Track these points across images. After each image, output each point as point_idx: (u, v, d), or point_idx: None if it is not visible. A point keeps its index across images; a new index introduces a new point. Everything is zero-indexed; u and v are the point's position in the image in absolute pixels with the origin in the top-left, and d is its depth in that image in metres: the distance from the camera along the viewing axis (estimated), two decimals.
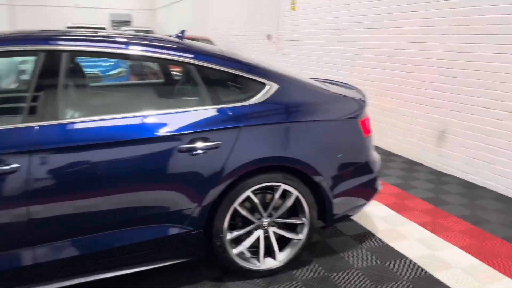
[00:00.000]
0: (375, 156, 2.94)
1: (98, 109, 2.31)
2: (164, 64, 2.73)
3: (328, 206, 2.64)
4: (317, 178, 2.54)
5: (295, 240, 2.64)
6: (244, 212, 2.46)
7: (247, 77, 2.52)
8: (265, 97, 2.50)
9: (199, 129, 2.27)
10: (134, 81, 2.71)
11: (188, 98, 2.47)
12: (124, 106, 2.51)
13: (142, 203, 2.20)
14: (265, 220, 2.54)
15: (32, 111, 2.05)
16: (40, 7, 21.51)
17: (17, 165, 1.94)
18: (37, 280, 2.10)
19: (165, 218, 2.27)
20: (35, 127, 2.01)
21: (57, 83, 2.11)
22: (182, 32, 2.95)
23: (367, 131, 2.81)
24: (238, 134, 2.35)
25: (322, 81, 3.36)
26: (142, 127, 2.20)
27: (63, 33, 2.28)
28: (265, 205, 2.54)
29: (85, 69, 2.81)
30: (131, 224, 2.22)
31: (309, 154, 2.51)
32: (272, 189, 2.52)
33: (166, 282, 2.50)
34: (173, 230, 2.30)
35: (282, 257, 2.62)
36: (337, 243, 3.03)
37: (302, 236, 2.63)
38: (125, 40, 2.36)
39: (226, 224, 2.41)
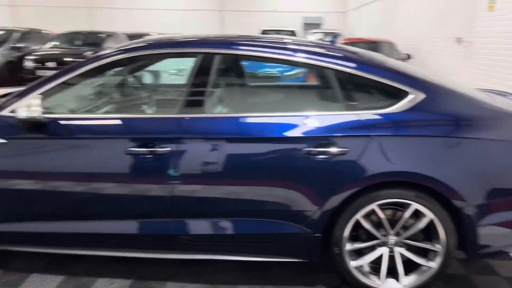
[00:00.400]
0: None
1: (241, 107, 2.53)
2: (306, 67, 2.78)
3: (472, 236, 2.30)
4: (458, 203, 2.24)
5: (424, 267, 2.39)
6: (367, 225, 2.35)
7: (388, 84, 2.37)
8: (407, 107, 2.32)
9: (327, 134, 2.27)
10: (288, 82, 2.87)
11: (325, 102, 2.48)
12: (265, 106, 2.69)
13: (266, 197, 2.32)
14: (392, 238, 2.37)
15: (186, 104, 2.39)
16: (244, 12, 24.10)
17: (169, 148, 2.30)
18: (172, 248, 2.45)
19: (285, 216, 2.35)
20: (185, 118, 2.34)
21: (207, 82, 2.40)
22: (335, 36, 2.97)
23: None
24: (368, 143, 2.25)
25: (494, 93, 2.91)
26: (275, 126, 2.32)
27: (220, 38, 2.57)
28: (394, 222, 2.37)
29: (257, 70, 3.09)
30: (255, 216, 2.37)
31: (452, 174, 2.23)
32: (403, 207, 2.34)
33: (283, 277, 2.59)
34: (292, 229, 2.36)
35: (407, 281, 2.40)
36: (484, 283, 2.60)
37: (433, 264, 2.36)
38: (270, 44, 2.52)
39: (346, 233, 2.34)
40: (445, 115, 2.32)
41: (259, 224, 2.38)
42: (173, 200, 2.34)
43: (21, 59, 10.21)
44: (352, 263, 2.39)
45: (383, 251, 2.39)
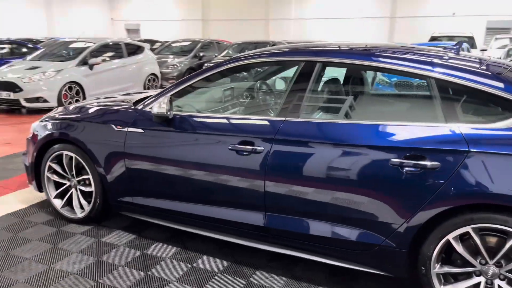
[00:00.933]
0: None
1: (332, 113, 2.59)
2: (406, 76, 2.64)
3: None
4: None
5: None
6: (460, 249, 2.14)
7: (500, 96, 2.13)
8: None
9: (416, 146, 2.16)
10: (383, 91, 2.79)
11: (421, 112, 2.35)
12: (357, 113, 2.67)
13: (352, 204, 2.34)
14: (491, 269, 2.11)
15: (283, 108, 2.58)
16: (416, 18, 22.72)
17: (262, 147, 2.52)
18: (263, 239, 2.66)
19: (370, 226, 2.32)
20: (281, 121, 2.53)
21: (306, 88, 2.54)
22: (460, 43, 2.77)
23: None
24: (465, 159, 2.07)
25: None
26: (362, 134, 2.32)
27: (320, 47, 2.68)
28: (496, 251, 2.11)
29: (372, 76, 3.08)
30: (338, 220, 2.41)
31: None
32: (507, 234, 2.06)
33: (370, 282, 2.55)
34: (376, 240, 2.32)
35: None
36: None
37: None
38: (364, 52, 2.53)
39: (435, 254, 2.18)
40: None
41: (343, 230, 2.40)
42: (266, 195, 2.55)
43: (200, 65, 11.93)
44: (438, 287, 2.22)
45: (480, 280, 2.15)
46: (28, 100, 8.08)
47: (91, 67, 8.79)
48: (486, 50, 14.83)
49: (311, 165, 2.40)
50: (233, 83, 3.20)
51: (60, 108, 3.62)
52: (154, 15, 30.38)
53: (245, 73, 3.11)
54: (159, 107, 2.77)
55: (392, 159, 2.20)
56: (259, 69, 3.25)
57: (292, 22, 26.24)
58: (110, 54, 9.63)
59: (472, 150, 2.06)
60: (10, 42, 11.65)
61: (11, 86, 8.09)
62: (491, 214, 2.04)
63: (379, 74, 3.53)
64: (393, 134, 2.25)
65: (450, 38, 15.07)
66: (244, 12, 27.16)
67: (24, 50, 11.33)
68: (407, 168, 2.17)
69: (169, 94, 2.89)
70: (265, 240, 2.66)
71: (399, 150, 2.20)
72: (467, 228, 2.09)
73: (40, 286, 2.54)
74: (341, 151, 2.34)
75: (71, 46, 9.64)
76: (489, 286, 2.13)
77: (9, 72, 8.50)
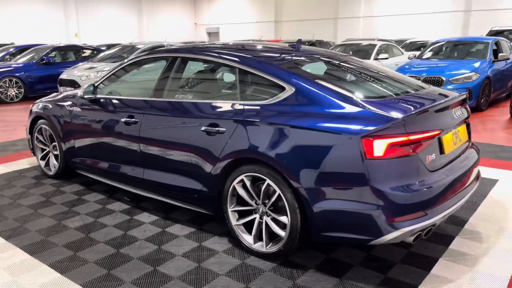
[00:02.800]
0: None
1: (178, 94, 3.47)
2: (219, 65, 3.40)
3: (310, 217, 2.58)
4: (295, 184, 2.56)
5: (279, 237, 2.76)
6: (241, 192, 2.90)
7: (271, 80, 2.86)
8: (276, 100, 2.77)
9: (215, 117, 2.98)
10: (204, 77, 3.63)
11: (226, 93, 3.15)
12: (190, 94, 3.50)
13: (182, 159, 3.19)
14: (261, 208, 2.84)
15: (156, 91, 3.53)
16: (493, 11, 21.27)
17: (138, 120, 3.49)
18: (132, 184, 3.66)
19: (193, 175, 3.16)
20: (150, 100, 3.48)
21: (167, 76, 3.48)
22: (299, 41, 3.50)
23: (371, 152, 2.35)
24: (239, 125, 2.84)
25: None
26: (187, 108, 3.21)
27: (186, 47, 3.55)
28: (262, 194, 2.82)
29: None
30: (176, 172, 3.28)
31: (287, 157, 2.60)
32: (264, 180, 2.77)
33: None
34: (198, 186, 3.15)
35: (270, 250, 2.81)
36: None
37: (283, 234, 2.72)
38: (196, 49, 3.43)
39: (229, 196, 2.96)
40: (295, 106, 2.67)
41: (180, 179, 3.26)
42: (142, 154, 3.51)
43: None
44: (233, 222, 2.99)
45: (256, 216, 2.89)
46: None
47: None
48: None
49: (161, 132, 3.32)
50: (138, 74, 4.13)
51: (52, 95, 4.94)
52: (231, 19, 32.29)
53: (146, 66, 4.03)
54: (86, 91, 3.89)
55: (203, 126, 3.04)
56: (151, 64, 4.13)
57: (361, 20, 26.13)
58: None
59: (245, 119, 2.83)
60: (88, 48, 13.86)
61: (73, 83, 9.99)
62: (255, 166, 2.78)
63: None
64: (205, 109, 3.10)
65: (510, 31, 14.21)
66: (314, 12, 27.68)
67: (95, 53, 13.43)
68: (209, 132, 2.99)
69: (96, 82, 4.00)
70: (143, 188, 3.62)
71: (206, 119, 3.04)
72: (242, 176, 2.85)
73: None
74: (176, 121, 3.23)
75: (128, 49, 11.38)
76: (261, 221, 2.86)
77: (74, 72, 10.44)
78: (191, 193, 3.21)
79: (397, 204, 2.37)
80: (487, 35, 14.74)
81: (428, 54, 10.17)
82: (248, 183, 2.85)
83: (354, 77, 3.23)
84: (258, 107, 2.84)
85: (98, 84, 3.99)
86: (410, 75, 8.78)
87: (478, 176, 3.10)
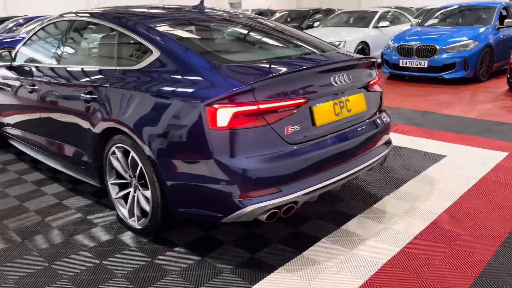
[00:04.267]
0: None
1: (65, 61, 3.31)
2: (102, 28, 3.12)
3: (165, 190, 2.40)
4: (148, 153, 2.40)
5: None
6: (115, 164, 2.74)
7: (140, 42, 2.65)
8: (143, 65, 2.56)
9: (90, 84, 2.82)
10: (89, 42, 3.36)
11: (106, 57, 2.96)
12: (77, 60, 3.29)
13: (69, 127, 3.07)
14: (134, 182, 2.69)
15: (52, 58, 3.39)
16: None
17: (37, 87, 3.38)
18: (42, 154, 3.58)
19: (79, 145, 3.03)
20: (45, 66, 3.35)
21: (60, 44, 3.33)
22: (202, 1, 3.23)
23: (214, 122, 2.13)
24: (106, 92, 2.67)
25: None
26: (72, 75, 3.07)
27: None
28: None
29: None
30: (66, 141, 3.18)
31: (141, 125, 2.43)
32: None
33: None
34: (84, 157, 3.02)
35: (140, 226, 2.68)
36: None
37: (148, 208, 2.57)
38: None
39: (107, 168, 2.83)
40: (158, 72, 2.45)
41: (71, 149, 3.15)
42: (42, 121, 3.41)
43: None
44: (113, 195, 2.85)
45: (130, 190, 2.74)
46: None
47: None
48: None
49: (53, 100, 3.20)
50: (46, 40, 3.93)
51: None
52: None
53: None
54: (2, 58, 3.80)
55: (82, 94, 2.88)
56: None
57: None
58: None
59: (111, 86, 2.65)
60: None
61: None
62: (122, 136, 2.61)
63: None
64: (85, 75, 2.96)
65: None
66: None
67: None
68: (87, 100, 2.83)
69: (15, 49, 3.90)
70: (49, 158, 3.54)
71: (84, 86, 2.88)
72: (114, 148, 2.70)
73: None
74: (65, 89, 3.12)
75: None
76: (135, 195, 2.71)
77: None
78: (80, 164, 3.10)
79: (244, 179, 2.15)
80: None
81: (431, 21, 9.48)
82: (119, 155, 2.69)
83: (242, 41, 2.97)
84: (126, 73, 2.65)
85: (16, 51, 3.89)
86: (404, 43, 8.27)
87: (383, 146, 2.82)
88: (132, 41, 2.75)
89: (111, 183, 2.85)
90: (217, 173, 2.17)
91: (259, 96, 2.15)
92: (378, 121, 2.84)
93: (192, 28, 2.98)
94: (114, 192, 2.85)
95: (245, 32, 3.13)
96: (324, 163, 2.38)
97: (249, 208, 2.17)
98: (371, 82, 2.79)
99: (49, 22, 3.63)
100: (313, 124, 2.37)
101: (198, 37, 2.91)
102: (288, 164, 2.22)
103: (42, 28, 3.73)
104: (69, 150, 3.18)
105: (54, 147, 3.36)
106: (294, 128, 2.28)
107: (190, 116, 2.20)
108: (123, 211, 2.80)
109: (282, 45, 2.97)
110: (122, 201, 2.83)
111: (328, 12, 13.59)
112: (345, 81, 2.53)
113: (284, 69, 2.33)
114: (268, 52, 2.78)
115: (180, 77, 2.35)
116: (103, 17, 3.01)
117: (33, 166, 4.05)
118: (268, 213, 2.23)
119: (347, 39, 9.27)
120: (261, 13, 16.43)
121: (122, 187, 2.84)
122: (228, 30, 3.15)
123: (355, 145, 2.56)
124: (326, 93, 2.44)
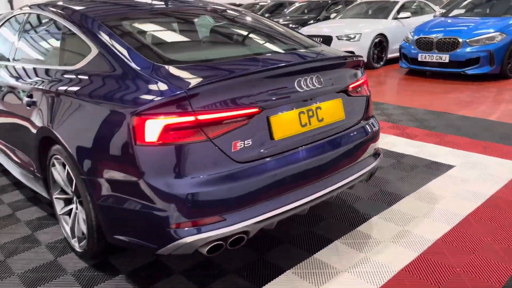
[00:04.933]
0: None
1: (19, 58, 3.00)
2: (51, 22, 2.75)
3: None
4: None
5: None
6: (56, 177, 2.42)
7: (81, 39, 2.30)
8: (81, 65, 2.22)
9: (32, 85, 2.50)
10: (40, 37, 2.95)
11: (50, 56, 2.63)
12: (27, 58, 2.95)
13: (16, 133, 2.79)
14: (75, 198, 2.36)
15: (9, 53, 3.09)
16: None
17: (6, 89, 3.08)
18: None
19: (27, 153, 2.72)
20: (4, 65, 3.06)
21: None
22: None
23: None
24: (43, 96, 2.35)
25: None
26: (20, 75, 2.75)
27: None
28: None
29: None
30: (17, 148, 2.88)
31: (66, 132, 2.15)
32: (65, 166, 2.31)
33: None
34: (31, 166, 2.70)
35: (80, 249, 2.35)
36: None
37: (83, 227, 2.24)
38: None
39: (51, 180, 2.51)
40: (95, 74, 2.09)
41: (22, 158, 2.84)
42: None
43: None
44: (58, 210, 2.53)
45: (72, 207, 2.42)
46: None
47: None
48: None
49: (5, 102, 2.90)
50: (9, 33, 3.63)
51: None
52: None
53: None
54: None
55: (25, 97, 2.56)
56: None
57: None
58: None
59: (47, 89, 2.32)
60: None
61: None
62: (60, 147, 2.27)
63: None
64: (28, 76, 2.64)
65: None
66: None
67: None
68: (28, 104, 2.51)
69: None
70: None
71: (27, 90, 2.56)
72: (53, 159, 2.37)
73: None
74: (14, 90, 2.80)
75: None
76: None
77: None
78: (30, 173, 2.80)
79: (179, 206, 1.78)
80: None
81: (457, 11, 8.77)
82: (59, 167, 2.37)
83: (202, 38, 2.58)
84: (64, 74, 2.31)
85: None
86: (424, 36, 7.64)
87: (369, 159, 2.41)
88: (75, 38, 2.39)
89: (55, 198, 2.53)
90: (147, 198, 1.81)
91: (198, 105, 1.76)
92: (362, 130, 2.40)
93: (149, 22, 2.61)
94: (59, 207, 2.54)
95: (210, 27, 2.74)
96: (284, 184, 1.97)
97: (187, 239, 1.80)
98: (353, 85, 2.35)
99: (11, 15, 3.34)
100: (271, 137, 1.96)
101: (151, 33, 2.52)
102: (235, 187, 1.83)
103: (2, 24, 3.44)
104: (21, 157, 2.88)
105: (10, 152, 3.08)
106: (244, 144, 1.88)
107: (118, 128, 1.84)
108: (67, 230, 2.49)
109: (248, 43, 2.57)
110: (67, 217, 2.52)
111: (348, 2, 12.95)
112: (314, 85, 2.10)
113: (233, 72, 1.93)
114: (227, 51, 2.39)
115: (113, 80, 1.99)
116: (50, 11, 2.68)
117: (3, 169, 3.81)
118: (209, 246, 1.85)
119: (363, 31, 8.69)
120: (281, 4, 15.87)
121: (67, 202, 2.52)
122: (191, 25, 2.76)
123: (327, 161, 2.14)
124: (289, 100, 2.02)
